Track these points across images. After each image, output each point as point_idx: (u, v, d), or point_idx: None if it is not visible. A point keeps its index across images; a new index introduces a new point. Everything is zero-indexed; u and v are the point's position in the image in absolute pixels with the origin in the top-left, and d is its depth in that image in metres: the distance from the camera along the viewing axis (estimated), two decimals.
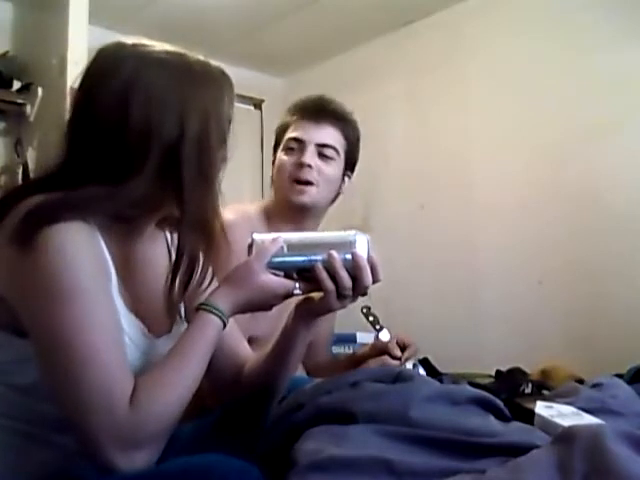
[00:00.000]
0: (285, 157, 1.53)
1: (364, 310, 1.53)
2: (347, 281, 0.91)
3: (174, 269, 0.90)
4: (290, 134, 1.54)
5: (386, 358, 1.45)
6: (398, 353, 1.45)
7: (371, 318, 1.53)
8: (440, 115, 2.96)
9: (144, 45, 0.92)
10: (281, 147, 1.57)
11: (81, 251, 0.80)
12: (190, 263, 0.91)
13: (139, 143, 0.85)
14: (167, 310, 0.94)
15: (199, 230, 0.90)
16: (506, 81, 2.70)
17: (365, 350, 1.56)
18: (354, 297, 0.94)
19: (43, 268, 0.77)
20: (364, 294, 0.95)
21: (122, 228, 0.91)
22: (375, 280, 0.93)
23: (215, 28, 3.05)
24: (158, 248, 0.99)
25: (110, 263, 0.87)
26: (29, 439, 0.86)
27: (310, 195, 1.49)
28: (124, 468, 0.75)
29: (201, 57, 0.95)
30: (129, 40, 0.93)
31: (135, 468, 0.77)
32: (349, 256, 0.92)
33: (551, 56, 2.53)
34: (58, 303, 0.77)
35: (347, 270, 0.91)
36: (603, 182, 2.37)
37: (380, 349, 1.48)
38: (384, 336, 1.47)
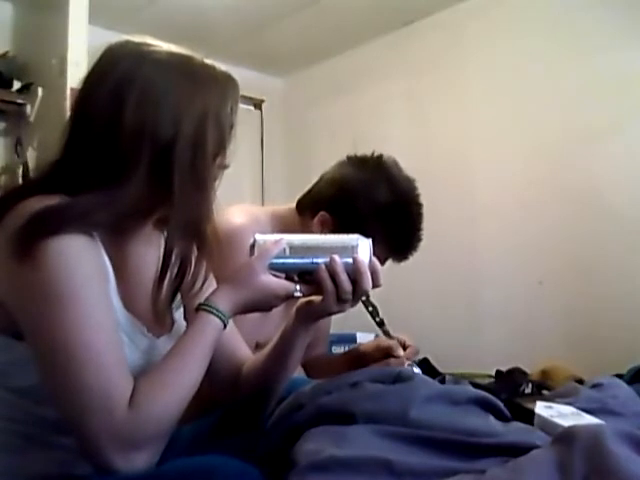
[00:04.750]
0: None
1: (363, 299, 1.50)
2: (347, 285, 0.91)
3: (161, 273, 0.89)
4: None
5: (391, 361, 1.44)
6: (401, 353, 1.45)
7: (370, 308, 1.51)
8: (440, 115, 2.96)
9: (148, 44, 0.91)
10: None
11: (78, 254, 0.79)
12: (181, 267, 0.90)
13: (132, 142, 0.84)
14: (155, 314, 0.92)
15: (188, 234, 0.89)
16: (506, 81, 2.70)
17: (367, 348, 1.55)
18: (354, 301, 0.94)
19: (41, 272, 0.77)
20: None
21: (117, 231, 0.90)
22: (375, 285, 0.93)
23: (215, 28, 3.05)
24: (154, 250, 0.98)
25: (108, 265, 0.86)
26: (29, 441, 0.85)
27: None
28: (123, 469, 0.75)
29: (208, 61, 0.93)
30: (136, 38, 0.91)
31: (134, 469, 0.76)
32: (350, 260, 0.92)
33: (551, 56, 2.54)
34: (56, 306, 0.76)
35: (348, 274, 0.91)
36: (603, 182, 2.37)
37: (384, 350, 1.47)
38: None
